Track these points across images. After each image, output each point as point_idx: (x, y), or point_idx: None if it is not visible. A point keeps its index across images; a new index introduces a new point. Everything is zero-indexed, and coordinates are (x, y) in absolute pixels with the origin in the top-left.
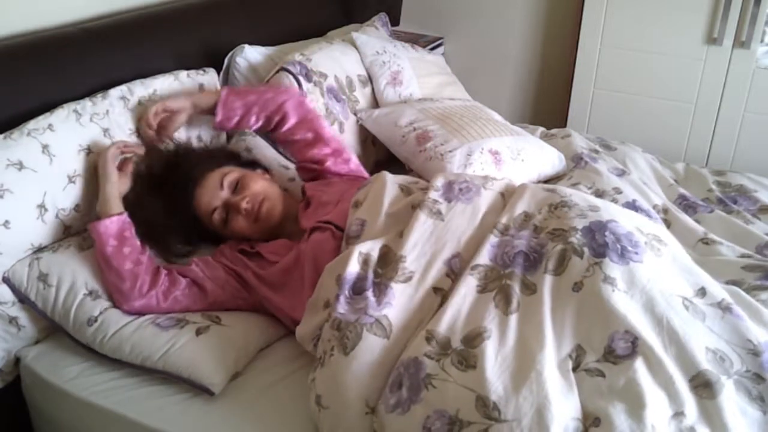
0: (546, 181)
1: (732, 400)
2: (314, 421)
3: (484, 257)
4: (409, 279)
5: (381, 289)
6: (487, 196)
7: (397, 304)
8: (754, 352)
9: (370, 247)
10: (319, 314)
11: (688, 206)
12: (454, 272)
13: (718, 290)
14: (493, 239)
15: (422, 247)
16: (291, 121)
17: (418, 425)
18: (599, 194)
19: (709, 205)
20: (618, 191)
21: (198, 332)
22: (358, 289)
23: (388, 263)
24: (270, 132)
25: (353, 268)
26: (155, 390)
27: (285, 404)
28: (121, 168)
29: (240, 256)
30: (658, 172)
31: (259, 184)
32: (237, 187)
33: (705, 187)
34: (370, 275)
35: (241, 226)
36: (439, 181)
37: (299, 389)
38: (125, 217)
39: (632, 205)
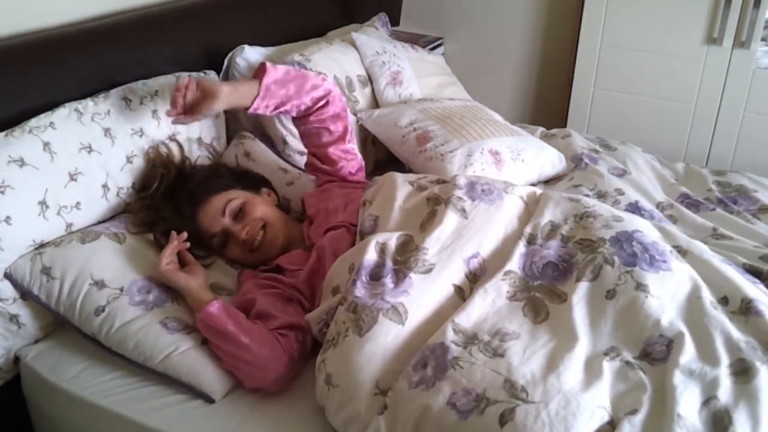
0: (547, 182)
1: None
2: (320, 402)
3: (515, 264)
4: (429, 271)
5: (399, 277)
6: (510, 201)
7: (414, 293)
8: None
9: (387, 237)
10: (327, 299)
11: (690, 204)
12: (472, 272)
13: (739, 292)
14: (521, 247)
15: (444, 242)
16: (331, 110)
17: (442, 400)
18: (601, 196)
19: (710, 204)
20: (620, 192)
21: (204, 341)
22: (375, 275)
23: (407, 251)
24: (305, 115)
25: (371, 256)
26: (155, 390)
27: (285, 407)
28: (184, 262)
29: (269, 278)
30: (658, 171)
31: (261, 211)
32: (239, 214)
33: (705, 187)
34: (389, 263)
35: (238, 255)
36: (461, 180)
37: (299, 394)
38: (220, 299)
39: (635, 206)
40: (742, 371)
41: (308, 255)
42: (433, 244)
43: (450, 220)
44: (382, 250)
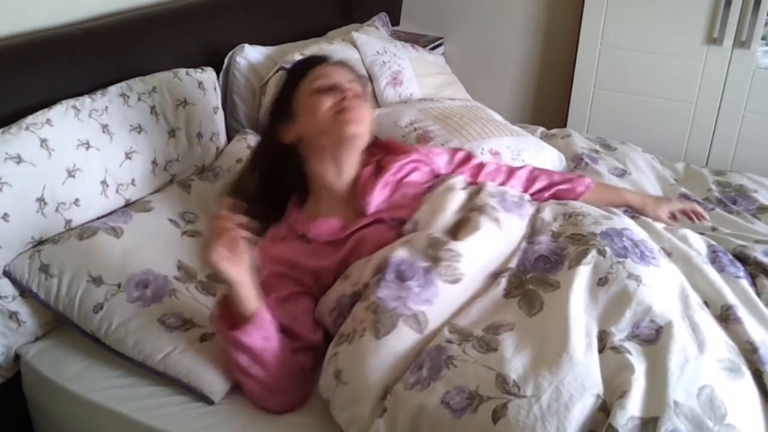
0: None
1: (750, 386)
2: (324, 395)
3: (513, 263)
4: (457, 281)
5: (428, 280)
6: (529, 212)
7: (438, 303)
8: (752, 350)
9: (417, 235)
10: (339, 286)
11: None
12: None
13: (721, 298)
14: (523, 245)
15: (478, 252)
16: None
17: (437, 400)
18: None
19: (709, 204)
20: None
21: (202, 339)
22: (402, 275)
23: (439, 248)
24: None
25: (399, 253)
26: (155, 389)
27: None
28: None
29: (285, 263)
30: (658, 171)
31: None
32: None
33: (705, 187)
34: (418, 261)
35: (322, 111)
36: (491, 187)
37: None
38: (263, 312)
39: None
40: (728, 369)
41: (342, 226)
42: (468, 252)
43: (487, 229)
44: (412, 247)
